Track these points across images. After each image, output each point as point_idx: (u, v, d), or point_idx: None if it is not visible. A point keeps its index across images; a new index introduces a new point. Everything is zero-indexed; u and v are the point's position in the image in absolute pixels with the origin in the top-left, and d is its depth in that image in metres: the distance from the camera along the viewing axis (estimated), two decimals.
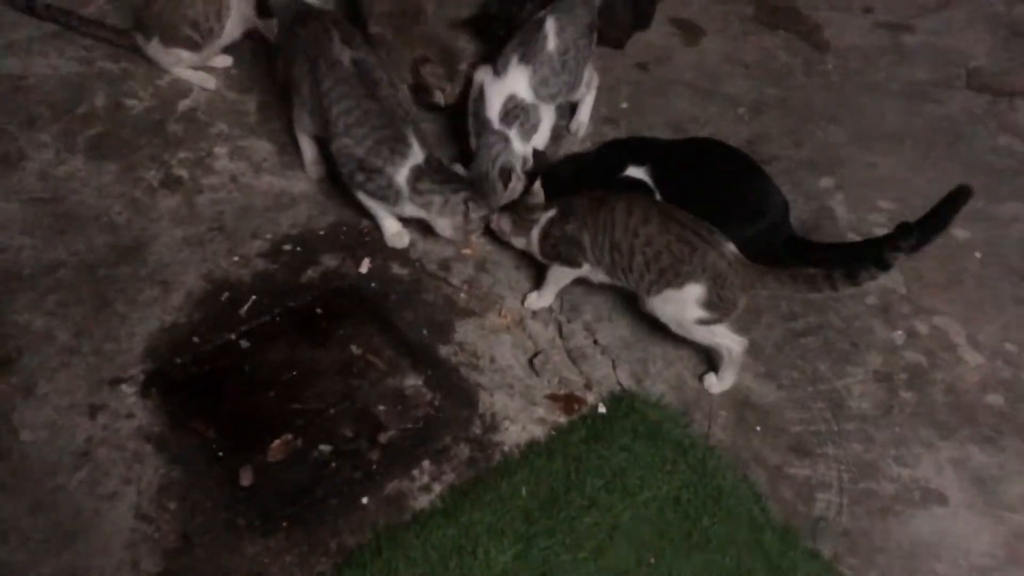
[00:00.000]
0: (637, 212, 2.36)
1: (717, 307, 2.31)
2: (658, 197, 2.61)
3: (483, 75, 2.80)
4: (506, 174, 2.69)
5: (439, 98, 2.95)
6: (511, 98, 2.74)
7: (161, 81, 3.10)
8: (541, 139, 2.84)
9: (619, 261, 2.38)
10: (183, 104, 3.05)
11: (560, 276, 2.53)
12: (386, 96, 2.58)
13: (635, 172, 2.66)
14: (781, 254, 2.53)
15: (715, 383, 2.45)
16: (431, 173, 2.56)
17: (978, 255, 2.84)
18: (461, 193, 2.56)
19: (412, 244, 2.71)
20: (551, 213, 2.50)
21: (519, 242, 2.60)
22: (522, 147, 2.77)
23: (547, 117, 2.84)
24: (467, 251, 2.70)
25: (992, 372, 2.54)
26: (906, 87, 3.43)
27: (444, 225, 2.61)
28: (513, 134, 2.75)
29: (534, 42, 2.76)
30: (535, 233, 2.52)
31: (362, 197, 2.64)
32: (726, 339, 2.38)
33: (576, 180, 2.64)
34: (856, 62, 3.52)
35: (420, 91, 2.94)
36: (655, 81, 3.30)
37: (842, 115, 3.29)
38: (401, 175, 2.54)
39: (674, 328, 2.41)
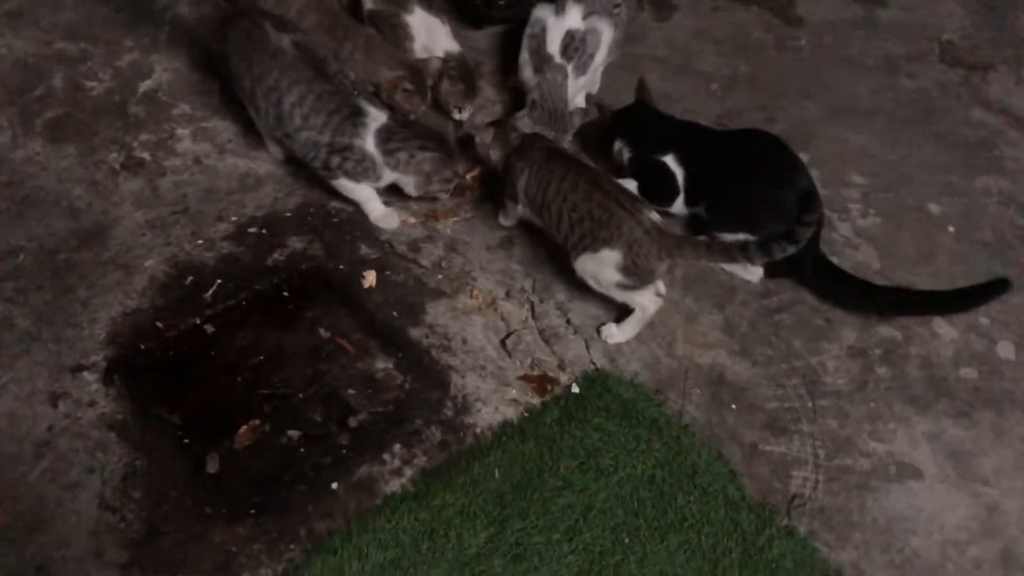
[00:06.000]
0: (569, 178, 2.40)
1: (634, 273, 2.32)
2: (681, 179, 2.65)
3: (545, 13, 2.96)
4: (581, 112, 2.88)
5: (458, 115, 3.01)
6: (568, 34, 2.89)
7: (121, 62, 3.03)
8: (598, 62, 3.01)
9: (547, 219, 2.44)
10: (144, 85, 2.97)
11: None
12: (335, 73, 2.59)
13: (667, 159, 2.66)
14: (806, 271, 2.55)
15: (615, 332, 2.45)
16: (397, 130, 2.55)
17: (952, 229, 2.83)
18: (427, 153, 2.55)
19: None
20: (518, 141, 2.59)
21: (493, 155, 2.67)
22: (575, 80, 2.91)
23: (604, 44, 2.97)
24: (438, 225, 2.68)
25: (966, 346, 2.53)
26: (879, 61, 3.41)
27: (409, 183, 2.59)
28: (570, 68, 2.89)
29: None
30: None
31: (343, 183, 2.59)
32: (643, 298, 2.40)
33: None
34: (829, 37, 3.49)
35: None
36: (626, 58, 3.25)
37: (815, 90, 3.26)
38: (370, 143, 2.51)
39: (594, 286, 2.42)
